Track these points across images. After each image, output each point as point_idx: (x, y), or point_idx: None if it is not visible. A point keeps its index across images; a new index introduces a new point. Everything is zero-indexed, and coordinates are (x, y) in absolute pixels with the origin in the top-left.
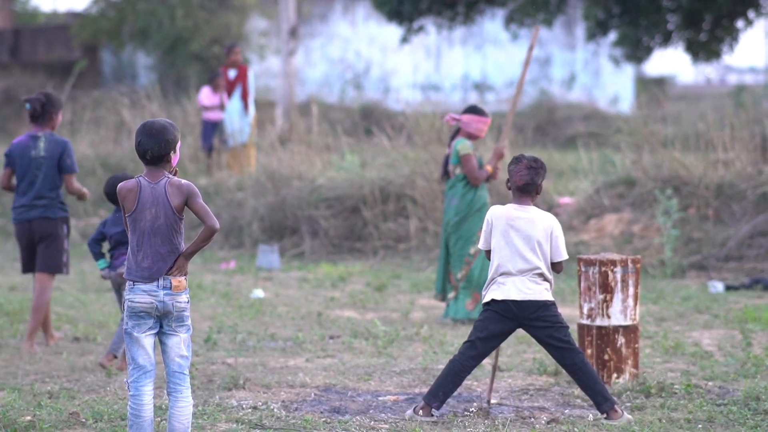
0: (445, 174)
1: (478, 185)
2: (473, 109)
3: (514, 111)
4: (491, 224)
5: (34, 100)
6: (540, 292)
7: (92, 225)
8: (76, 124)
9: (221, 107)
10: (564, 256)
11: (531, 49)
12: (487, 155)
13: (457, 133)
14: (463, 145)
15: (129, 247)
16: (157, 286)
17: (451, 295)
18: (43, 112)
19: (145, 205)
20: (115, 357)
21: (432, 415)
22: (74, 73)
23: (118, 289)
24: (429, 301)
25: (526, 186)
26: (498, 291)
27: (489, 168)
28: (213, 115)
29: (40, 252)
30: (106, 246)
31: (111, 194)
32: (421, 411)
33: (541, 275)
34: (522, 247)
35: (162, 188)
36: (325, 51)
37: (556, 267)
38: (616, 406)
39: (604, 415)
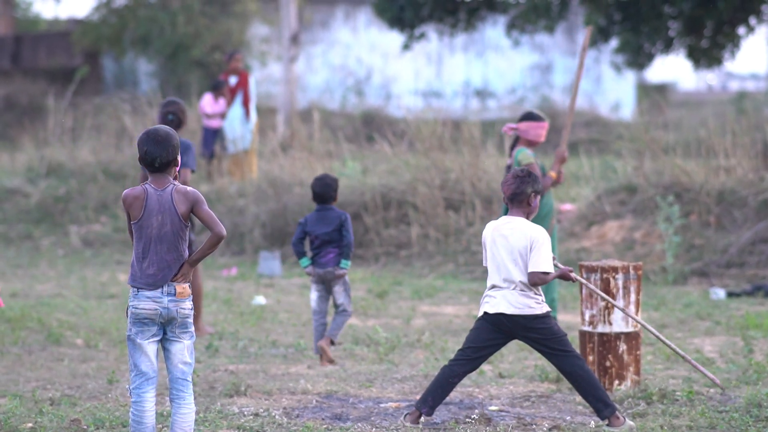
0: None
1: (544, 193)
2: (530, 116)
3: (572, 114)
4: (484, 238)
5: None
6: (530, 305)
7: (93, 231)
8: (78, 131)
9: (222, 116)
10: (541, 267)
11: (584, 50)
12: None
13: (516, 142)
14: (524, 154)
15: (134, 254)
16: (162, 292)
17: None
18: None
19: (151, 213)
20: (333, 343)
21: (419, 423)
22: (75, 80)
23: (324, 284)
24: (430, 308)
25: (514, 196)
26: (489, 304)
27: (553, 174)
28: (214, 123)
29: None
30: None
31: (319, 194)
32: (408, 417)
33: (528, 289)
34: (505, 258)
35: (168, 195)
36: (326, 57)
37: (530, 277)
38: (617, 413)
39: (606, 422)
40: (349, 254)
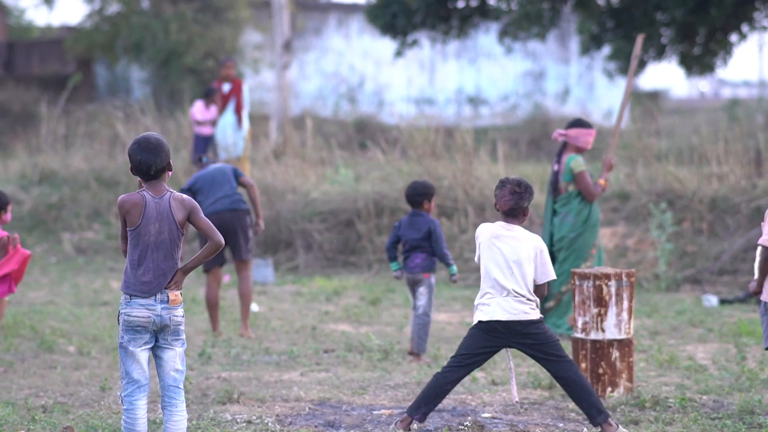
0: (555, 190)
1: (594, 201)
2: (579, 123)
3: (620, 122)
4: (478, 240)
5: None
6: (525, 311)
7: (86, 239)
8: (71, 138)
9: (213, 123)
10: (551, 276)
11: (636, 58)
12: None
13: (564, 148)
14: (576, 162)
15: (128, 261)
16: (155, 300)
17: (550, 303)
18: None
19: (149, 220)
20: (419, 356)
21: (410, 429)
22: (68, 87)
23: (413, 286)
24: None
25: (511, 210)
26: (483, 312)
27: (602, 182)
28: (205, 130)
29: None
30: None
31: (408, 198)
32: (400, 424)
33: (525, 296)
34: (503, 264)
35: (166, 203)
36: (319, 65)
37: (539, 289)
38: (610, 419)
39: (598, 428)
40: (448, 261)
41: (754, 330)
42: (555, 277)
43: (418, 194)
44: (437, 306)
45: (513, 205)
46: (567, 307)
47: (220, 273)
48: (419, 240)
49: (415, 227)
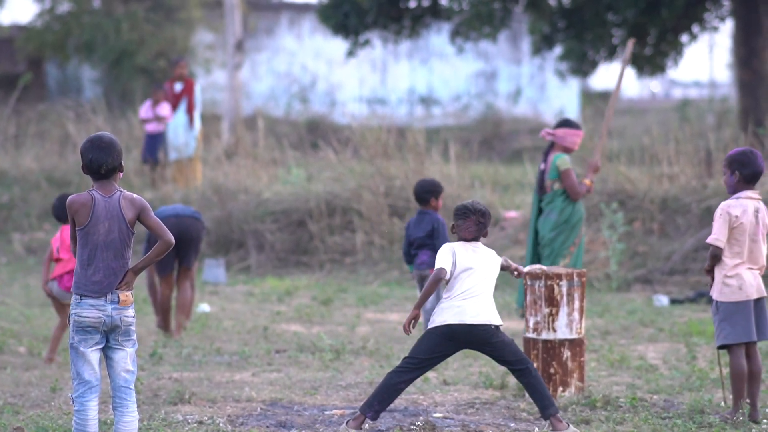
0: (541, 189)
1: (578, 200)
2: (567, 123)
3: (608, 125)
4: (455, 252)
5: None
6: (491, 315)
7: (36, 239)
8: (21, 138)
9: (157, 119)
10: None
11: (625, 62)
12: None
13: (551, 147)
14: (562, 160)
15: (78, 261)
16: (106, 300)
17: None
18: None
19: (99, 219)
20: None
21: (362, 428)
22: (19, 87)
23: (421, 283)
24: (375, 315)
25: (474, 239)
26: (448, 314)
27: (588, 182)
28: (151, 128)
29: None
30: None
31: (415, 196)
32: (352, 422)
33: (490, 300)
34: (477, 274)
35: (116, 202)
36: (271, 65)
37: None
38: (559, 415)
39: (548, 423)
40: None
41: (704, 330)
42: None
43: (426, 191)
44: (389, 306)
45: (477, 235)
46: None
47: (173, 279)
48: (424, 238)
49: (420, 225)
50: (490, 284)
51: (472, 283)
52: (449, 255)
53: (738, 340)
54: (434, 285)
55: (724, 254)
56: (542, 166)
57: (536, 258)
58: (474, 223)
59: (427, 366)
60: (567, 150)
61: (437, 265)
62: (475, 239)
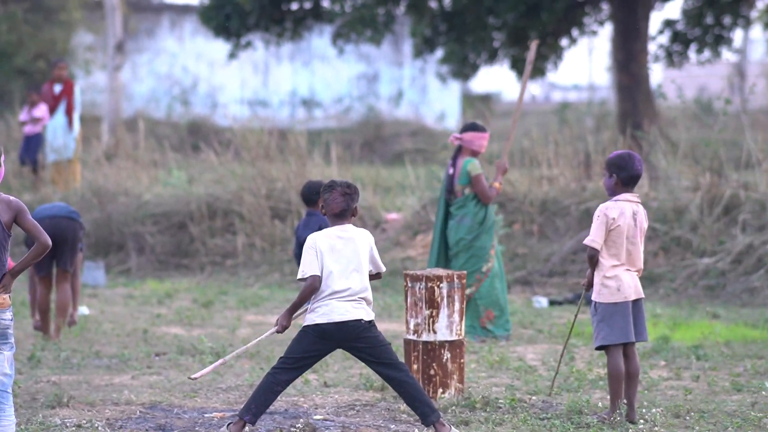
0: (450, 193)
1: (489, 203)
2: (473, 126)
3: (515, 127)
4: (318, 250)
5: None
6: (360, 312)
7: None
8: None
9: (33, 121)
10: (383, 268)
11: (530, 63)
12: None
13: (458, 152)
14: (473, 165)
15: None
16: None
17: None
18: None
19: None
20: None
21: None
22: None
23: None
24: (256, 317)
25: (343, 212)
26: (317, 314)
27: (497, 185)
28: (27, 129)
29: None
30: None
31: (302, 197)
32: (232, 426)
33: (363, 298)
34: (345, 267)
35: None
36: (152, 66)
37: (379, 276)
38: (442, 419)
39: (431, 428)
40: None
41: (583, 331)
42: (384, 269)
43: (314, 192)
44: (270, 309)
45: (344, 207)
46: (476, 309)
47: (51, 280)
48: None
49: (309, 227)
50: (362, 268)
51: (340, 278)
52: (314, 259)
53: (616, 341)
54: (309, 295)
55: (602, 256)
56: (450, 170)
57: (442, 262)
58: (340, 194)
59: (303, 366)
60: (474, 153)
61: (307, 272)
62: (343, 214)
